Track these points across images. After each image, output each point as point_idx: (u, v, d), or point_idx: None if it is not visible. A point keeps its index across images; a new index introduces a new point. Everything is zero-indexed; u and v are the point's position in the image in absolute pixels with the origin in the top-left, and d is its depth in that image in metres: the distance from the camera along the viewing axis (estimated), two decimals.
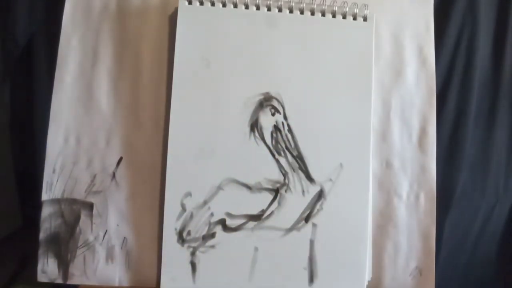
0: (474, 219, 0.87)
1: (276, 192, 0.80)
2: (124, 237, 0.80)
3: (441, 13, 0.87)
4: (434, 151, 0.83)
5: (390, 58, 0.85)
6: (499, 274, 0.90)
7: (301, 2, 0.82)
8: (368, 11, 0.82)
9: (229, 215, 0.79)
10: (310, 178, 0.80)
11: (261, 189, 0.79)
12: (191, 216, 0.79)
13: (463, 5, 0.87)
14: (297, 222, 0.79)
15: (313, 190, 0.80)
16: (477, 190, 0.86)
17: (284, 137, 0.80)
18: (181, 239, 0.79)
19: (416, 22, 0.86)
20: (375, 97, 0.83)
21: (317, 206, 0.80)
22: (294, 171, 0.80)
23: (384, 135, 0.83)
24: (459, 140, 0.85)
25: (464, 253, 0.87)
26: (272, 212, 0.79)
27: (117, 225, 0.81)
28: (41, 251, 0.80)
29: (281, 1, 0.82)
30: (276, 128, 0.80)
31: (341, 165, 0.80)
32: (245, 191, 0.79)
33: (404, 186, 0.83)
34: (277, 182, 0.80)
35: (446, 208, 0.84)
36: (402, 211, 0.82)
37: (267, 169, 0.80)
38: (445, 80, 0.86)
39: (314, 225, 0.79)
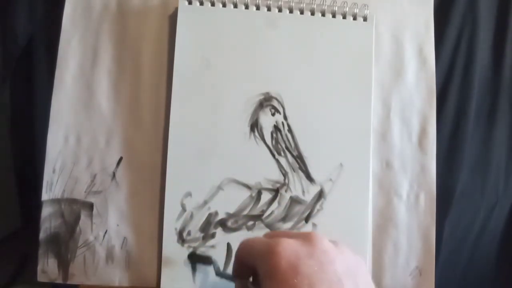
0: (474, 219, 0.86)
1: (276, 192, 0.80)
2: (124, 237, 0.80)
3: (441, 13, 0.87)
4: (434, 151, 0.83)
5: (390, 58, 0.85)
6: (499, 274, 0.90)
7: (301, 2, 0.82)
8: (368, 11, 0.83)
9: (229, 215, 0.80)
10: (310, 178, 0.80)
11: (261, 189, 0.80)
12: (191, 216, 0.79)
13: (463, 5, 0.87)
14: (297, 222, 0.80)
15: (313, 190, 0.80)
16: (477, 190, 0.86)
17: (284, 137, 0.80)
18: (181, 239, 0.78)
19: (416, 22, 0.86)
20: (375, 97, 0.83)
21: (317, 206, 0.80)
22: (294, 171, 0.80)
23: (384, 135, 0.83)
24: (459, 140, 0.85)
25: (464, 253, 0.87)
26: (272, 212, 0.80)
27: (117, 225, 0.80)
28: (41, 251, 0.80)
29: (281, 1, 0.82)
30: (276, 128, 0.80)
31: (341, 165, 0.80)
32: (245, 191, 0.80)
33: (404, 186, 0.83)
34: (277, 182, 0.80)
35: (446, 208, 0.84)
36: (402, 211, 0.82)
37: (267, 169, 0.80)
38: (445, 80, 0.86)
39: (314, 225, 0.80)
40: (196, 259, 0.79)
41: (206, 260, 0.78)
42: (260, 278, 0.57)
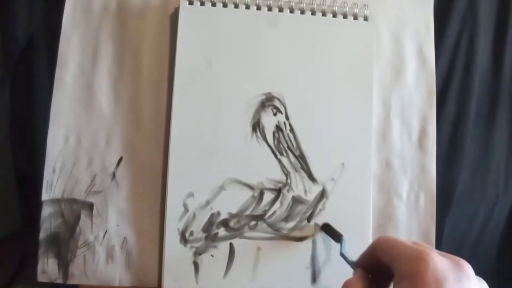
0: (474, 219, 0.87)
1: (278, 192, 0.80)
2: (124, 237, 0.80)
3: (441, 13, 0.87)
4: (434, 151, 0.84)
5: (390, 58, 0.85)
6: (499, 273, 0.90)
7: (301, 2, 0.82)
8: (368, 11, 0.83)
9: (232, 215, 0.80)
10: (312, 178, 0.80)
11: (263, 189, 0.80)
12: (194, 216, 0.79)
13: (463, 5, 0.87)
14: (300, 222, 0.80)
15: (315, 190, 0.80)
16: (477, 190, 0.86)
17: (286, 137, 0.80)
18: (184, 240, 0.78)
19: (416, 22, 0.86)
20: (375, 97, 0.83)
21: (319, 206, 0.80)
22: (296, 171, 0.80)
23: (384, 135, 0.84)
24: (459, 140, 0.85)
25: (464, 253, 0.86)
26: (274, 212, 0.80)
27: (117, 225, 0.80)
28: (41, 251, 0.79)
29: (281, 1, 0.82)
30: (278, 128, 0.80)
31: (343, 164, 0.80)
32: (247, 191, 0.80)
33: (404, 186, 0.83)
34: (279, 182, 0.80)
35: (446, 208, 0.84)
36: (402, 211, 0.83)
37: (269, 169, 0.80)
38: (445, 80, 0.87)
39: (316, 224, 0.80)
40: (328, 231, 0.79)
41: (336, 237, 0.78)
42: (395, 279, 0.56)
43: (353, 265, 0.68)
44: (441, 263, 0.54)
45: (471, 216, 0.87)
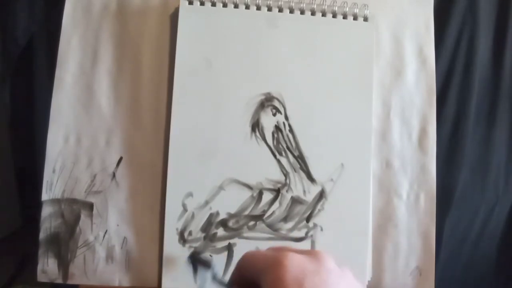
0: (474, 219, 0.87)
1: (277, 192, 0.80)
2: (124, 237, 0.80)
3: (441, 13, 0.87)
4: (434, 151, 0.83)
5: (390, 58, 0.85)
6: (499, 274, 0.90)
7: (301, 2, 0.82)
8: (368, 11, 0.83)
9: (231, 215, 0.80)
10: (311, 178, 0.80)
11: (262, 189, 0.80)
12: (192, 216, 0.79)
13: (463, 5, 0.87)
14: (298, 222, 0.80)
15: (314, 190, 0.80)
16: (477, 190, 0.86)
17: (285, 137, 0.80)
18: (183, 239, 0.78)
19: (416, 22, 0.86)
20: (375, 97, 0.83)
21: (318, 206, 0.80)
22: (295, 171, 0.80)
23: (384, 135, 0.83)
24: (459, 140, 0.85)
25: (464, 253, 0.87)
26: (273, 212, 0.80)
27: (117, 225, 0.80)
28: (41, 251, 0.79)
29: (281, 1, 0.82)
30: (277, 128, 0.80)
31: (342, 165, 0.80)
32: (246, 191, 0.80)
33: (404, 186, 0.83)
34: (278, 182, 0.80)
35: (446, 208, 0.84)
36: (402, 211, 0.83)
37: (268, 169, 0.80)
38: (445, 80, 0.86)
39: (315, 225, 0.80)
40: (196, 260, 0.79)
41: (206, 264, 0.77)
42: None
43: (228, 286, 0.67)
44: (297, 261, 0.54)
45: (471, 216, 0.87)
